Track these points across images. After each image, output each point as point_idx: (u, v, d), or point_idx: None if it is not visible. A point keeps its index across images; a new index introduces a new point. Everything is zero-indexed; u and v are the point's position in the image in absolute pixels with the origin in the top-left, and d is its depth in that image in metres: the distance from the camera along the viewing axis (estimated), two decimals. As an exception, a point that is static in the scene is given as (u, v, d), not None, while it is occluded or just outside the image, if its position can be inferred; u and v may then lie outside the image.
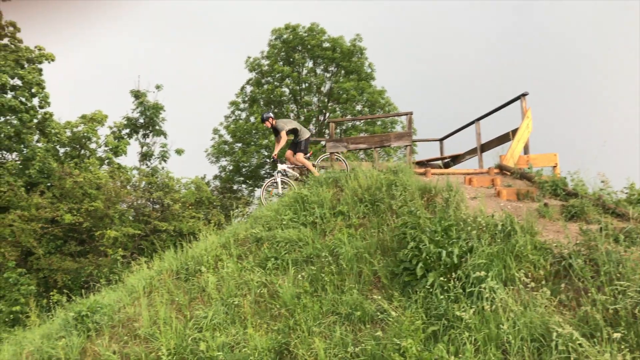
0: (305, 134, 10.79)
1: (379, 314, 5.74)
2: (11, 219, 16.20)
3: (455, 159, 13.43)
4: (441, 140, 14.42)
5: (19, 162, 18.86)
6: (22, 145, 18.77)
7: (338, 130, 24.27)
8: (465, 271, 5.73)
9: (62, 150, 20.55)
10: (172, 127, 34.47)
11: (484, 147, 12.24)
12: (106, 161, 21.17)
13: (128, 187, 19.67)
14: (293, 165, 10.72)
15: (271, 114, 10.81)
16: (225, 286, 7.05)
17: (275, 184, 10.47)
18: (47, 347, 6.69)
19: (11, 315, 14.61)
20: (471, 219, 6.75)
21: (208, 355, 5.80)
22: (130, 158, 45.11)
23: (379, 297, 5.87)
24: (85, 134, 20.48)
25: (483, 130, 12.43)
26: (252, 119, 25.59)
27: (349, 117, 24.22)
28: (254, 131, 25.21)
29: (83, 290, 12.26)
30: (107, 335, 6.71)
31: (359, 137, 14.89)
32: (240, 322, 6.34)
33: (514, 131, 10.98)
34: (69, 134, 20.27)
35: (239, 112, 26.65)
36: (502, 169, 10.09)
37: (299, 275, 6.77)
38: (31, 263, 16.70)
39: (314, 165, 10.73)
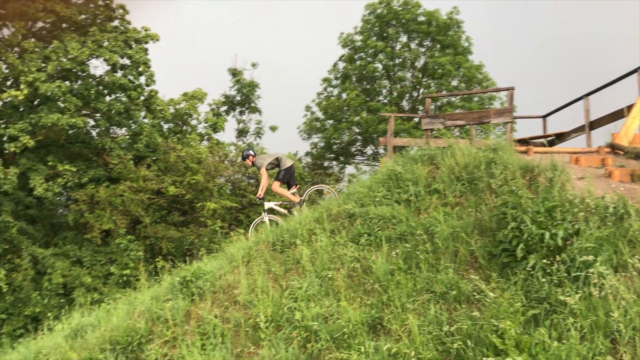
0: (285, 163, 10.29)
1: (475, 294, 5.61)
2: (122, 190, 17.51)
3: (560, 137, 12.62)
4: (544, 117, 13.59)
5: (128, 137, 20.25)
6: (131, 121, 20.08)
7: (432, 107, 23.66)
8: (570, 255, 5.45)
9: (166, 126, 21.77)
10: (265, 103, 35.29)
11: (593, 125, 11.38)
12: (206, 137, 22.17)
13: (226, 162, 20.53)
14: (280, 202, 10.37)
15: (251, 152, 10.54)
16: (319, 259, 7.20)
17: (262, 223, 10.11)
18: (155, 308, 7.21)
19: (124, 278, 15.94)
20: (578, 200, 6.36)
21: (303, 324, 5.98)
22: (227, 134, 46.93)
23: (476, 278, 5.72)
24: (186, 111, 21.54)
25: (592, 107, 11.56)
26: (344, 95, 25.57)
27: (444, 92, 23.51)
28: (345, 108, 25.21)
29: (186, 258, 13.07)
30: (209, 300, 7.10)
31: (456, 113, 14.42)
32: (333, 294, 6.47)
33: (630, 107, 10.10)
34: (172, 110, 21.41)
35: (331, 88, 26.71)
36: (614, 147, 9.35)
37: (393, 252, 6.76)
38: (139, 231, 18.01)
39: (299, 196, 10.27)
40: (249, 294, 6.91)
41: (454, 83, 24.27)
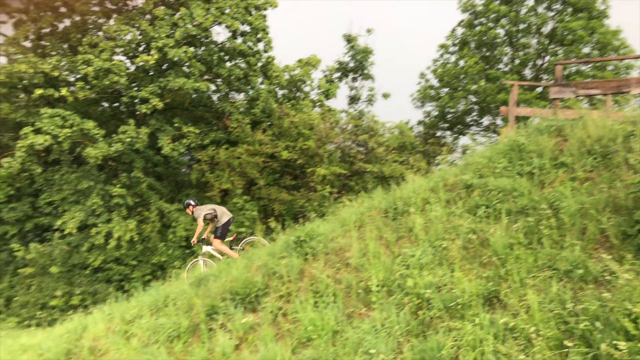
0: (222, 218, 10.50)
1: (605, 274, 5.22)
2: (239, 152, 18.41)
3: None
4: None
5: (245, 102, 21.11)
6: (249, 87, 20.88)
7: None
8: None
9: (280, 92, 22.39)
10: (378, 70, 34.82)
11: None
12: (318, 103, 22.50)
13: (336, 129, 20.73)
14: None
15: (192, 202, 10.78)
16: (432, 228, 7.08)
17: (197, 266, 10.54)
18: (271, 264, 7.55)
19: (240, 235, 16.87)
20: None
21: (415, 291, 5.96)
22: (339, 101, 47.25)
23: (607, 257, 5.31)
24: (300, 78, 21.94)
25: None
26: (461, 62, 24.54)
27: (574, 59, 21.66)
28: (462, 76, 24.21)
29: (296, 221, 13.47)
30: (322, 261, 7.30)
31: (590, 82, 13.23)
32: (447, 264, 6.35)
33: None
34: (287, 77, 21.91)
35: (448, 55, 25.74)
36: None
37: (513, 226, 6.46)
38: (254, 192, 18.89)
39: (232, 249, 10.45)
40: (361, 258, 6.99)
41: (585, 50, 22.29)
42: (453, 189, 8.01)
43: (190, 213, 10.85)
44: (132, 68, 19.00)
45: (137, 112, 19.20)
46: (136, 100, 18.66)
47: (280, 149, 18.62)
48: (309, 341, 5.98)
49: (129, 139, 17.00)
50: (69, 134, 16.26)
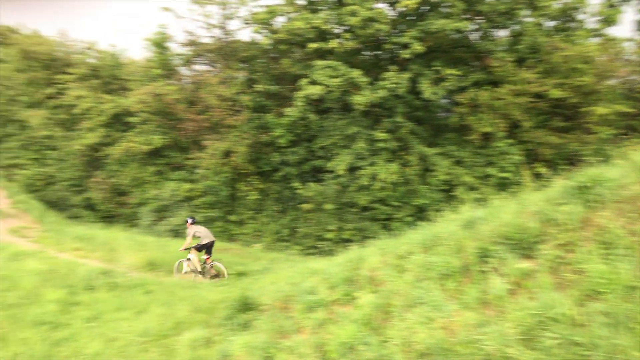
0: (204, 240, 12.59)
1: None
2: (502, 93, 17.40)
3: None
4: None
5: (509, 38, 19.65)
6: (512, 21, 19.32)
7: None
8: None
9: (549, 23, 20.16)
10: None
11: None
12: (595, 33, 19.66)
13: (620, 61, 17.92)
14: (198, 259, 12.69)
15: (189, 220, 12.93)
16: None
17: (180, 266, 12.85)
18: (548, 210, 6.99)
19: (505, 181, 16.24)
20: None
21: None
22: (623, 28, 40.46)
23: None
24: (574, 5, 19.37)
25: None
26: None
27: None
28: None
29: (571, 165, 12.19)
30: (611, 209, 6.45)
31: None
32: None
33: None
34: (557, 5, 19.56)
35: None
36: None
37: None
38: (517, 135, 17.78)
39: (201, 270, 12.57)
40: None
41: None
42: None
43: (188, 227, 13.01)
44: (393, 14, 19.33)
45: (397, 58, 19.61)
46: (396, 46, 19.03)
47: (549, 87, 16.99)
48: (597, 294, 5.41)
49: (391, 85, 17.55)
50: (339, 83, 17.57)
